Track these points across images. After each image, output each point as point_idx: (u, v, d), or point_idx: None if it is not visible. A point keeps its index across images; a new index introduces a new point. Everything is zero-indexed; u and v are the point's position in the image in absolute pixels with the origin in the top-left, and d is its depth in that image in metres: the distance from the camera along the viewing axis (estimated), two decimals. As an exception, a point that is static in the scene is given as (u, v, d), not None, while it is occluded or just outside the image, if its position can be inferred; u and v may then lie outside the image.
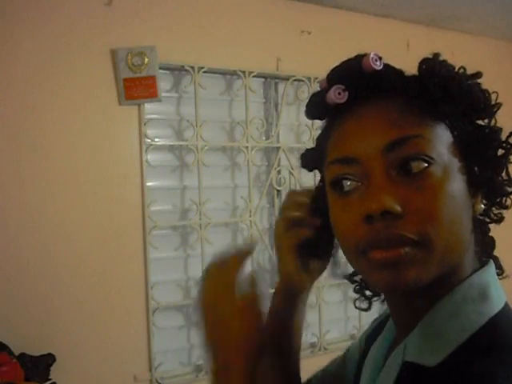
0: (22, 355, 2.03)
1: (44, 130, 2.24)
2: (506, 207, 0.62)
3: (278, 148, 2.82)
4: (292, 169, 2.83)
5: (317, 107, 0.63)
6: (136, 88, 2.39)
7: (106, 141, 2.36)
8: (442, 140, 0.56)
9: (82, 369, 2.23)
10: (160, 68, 2.46)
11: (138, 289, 2.40)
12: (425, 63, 0.59)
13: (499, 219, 0.63)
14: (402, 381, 0.57)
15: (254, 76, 2.73)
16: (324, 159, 0.62)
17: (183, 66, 2.55)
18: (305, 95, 2.89)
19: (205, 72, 2.60)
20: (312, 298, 2.89)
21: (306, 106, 0.65)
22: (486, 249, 0.64)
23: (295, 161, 2.89)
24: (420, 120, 0.56)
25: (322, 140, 0.64)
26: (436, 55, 0.60)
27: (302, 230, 0.69)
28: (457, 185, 0.55)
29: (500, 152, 0.59)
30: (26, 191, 2.20)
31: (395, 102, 0.57)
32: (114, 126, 2.39)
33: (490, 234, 0.65)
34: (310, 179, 2.93)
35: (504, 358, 0.50)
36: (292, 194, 0.74)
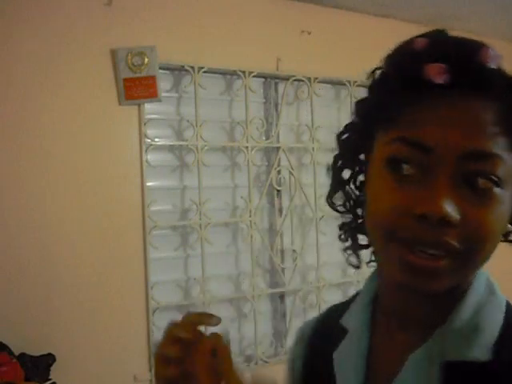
0: (22, 355, 2.03)
1: (44, 130, 2.24)
2: None
3: (278, 148, 2.82)
4: (292, 169, 2.83)
5: (407, 71, 0.54)
6: (136, 88, 2.39)
7: (106, 141, 2.36)
8: (509, 163, 0.53)
9: (82, 369, 2.23)
10: (160, 68, 2.46)
11: (138, 289, 2.40)
12: None
13: None
14: (452, 382, 0.55)
15: (254, 76, 2.73)
16: (387, 125, 0.55)
17: (183, 66, 2.55)
18: (305, 95, 2.89)
19: (205, 72, 2.60)
20: (312, 298, 2.89)
21: (392, 56, 0.57)
22: None
23: (295, 161, 2.89)
24: (505, 138, 0.52)
25: (394, 103, 0.55)
26: None
27: (168, 368, 0.62)
28: (507, 210, 0.55)
29: None
30: (26, 191, 2.20)
31: (492, 109, 0.53)
32: (114, 126, 2.39)
33: None
34: (310, 179, 2.95)
35: None
36: (171, 327, 0.64)
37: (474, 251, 0.52)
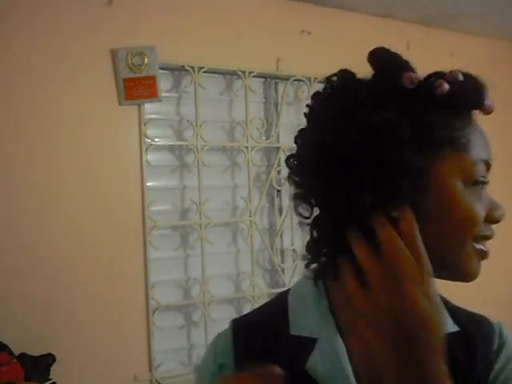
0: (22, 355, 2.03)
1: (44, 130, 2.24)
2: None
3: (278, 148, 2.82)
4: (292, 169, 2.82)
5: (472, 99, 0.64)
6: (136, 88, 2.39)
7: (106, 141, 2.36)
8: None
9: (82, 369, 2.23)
10: (160, 68, 2.46)
11: (137, 289, 2.40)
12: None
13: None
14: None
15: (254, 76, 2.73)
16: (456, 149, 0.62)
17: (183, 66, 2.55)
18: (305, 95, 2.89)
19: (205, 72, 2.60)
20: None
21: (457, 81, 0.62)
22: None
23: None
24: None
25: (458, 126, 0.63)
26: None
27: None
28: None
29: None
30: (26, 191, 2.19)
31: None
32: (114, 126, 2.39)
33: None
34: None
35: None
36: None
37: None
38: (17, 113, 2.19)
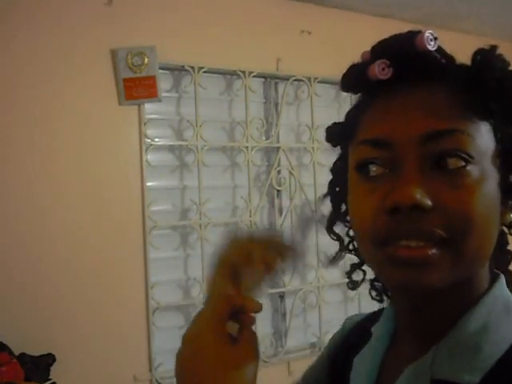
0: (22, 355, 2.03)
1: (44, 130, 2.24)
2: None
3: (278, 148, 2.82)
4: (292, 169, 2.83)
5: (355, 80, 0.58)
6: (136, 88, 2.39)
7: (106, 141, 2.36)
8: (484, 140, 0.52)
9: (82, 369, 2.23)
10: (160, 68, 2.46)
11: (137, 289, 2.40)
12: (480, 54, 0.54)
13: None
14: None
15: (254, 76, 2.73)
16: (352, 137, 0.57)
17: (183, 66, 2.55)
18: (305, 95, 2.89)
19: (205, 72, 2.60)
20: (312, 298, 2.89)
21: (343, 77, 0.59)
22: (501, 261, 0.61)
23: (295, 161, 2.89)
24: (465, 114, 0.51)
25: (352, 116, 0.58)
26: (493, 47, 0.55)
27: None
28: (491, 189, 0.52)
29: None
30: (26, 191, 2.19)
31: (442, 89, 0.52)
32: (114, 126, 2.39)
33: (509, 248, 0.61)
34: (310, 179, 2.95)
35: None
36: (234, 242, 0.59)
37: (462, 237, 0.49)
38: (17, 113, 2.19)
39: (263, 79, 2.86)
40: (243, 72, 2.69)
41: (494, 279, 0.57)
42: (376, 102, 0.55)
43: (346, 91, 0.60)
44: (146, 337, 2.41)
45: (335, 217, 0.65)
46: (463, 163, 0.50)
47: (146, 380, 2.40)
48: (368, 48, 0.58)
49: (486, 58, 0.54)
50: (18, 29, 2.19)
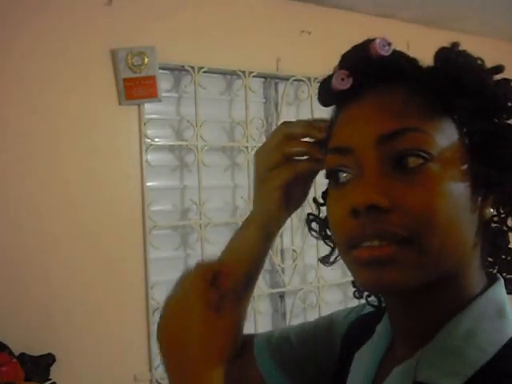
0: (22, 355, 2.03)
1: (44, 130, 2.24)
2: None
3: (278, 148, 2.81)
4: (292, 169, 2.82)
5: (324, 93, 0.60)
6: (136, 88, 2.39)
7: (106, 141, 2.36)
8: (445, 135, 0.52)
9: (82, 369, 2.23)
10: (160, 68, 2.46)
11: (138, 289, 2.40)
12: (441, 52, 0.56)
13: None
14: None
15: (254, 76, 2.73)
16: (326, 148, 0.59)
17: (183, 66, 2.55)
18: (305, 95, 2.89)
19: (205, 72, 2.60)
20: (312, 297, 2.89)
21: (317, 92, 0.63)
22: (503, 264, 0.58)
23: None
24: (422, 112, 0.52)
25: (327, 128, 0.61)
26: (454, 44, 0.57)
27: (300, 164, 0.68)
28: (458, 184, 0.51)
29: None
30: (26, 191, 2.19)
31: (400, 90, 0.53)
32: (114, 126, 2.39)
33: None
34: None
35: None
36: (285, 125, 0.70)
37: (424, 235, 0.49)
38: (17, 112, 2.19)
39: (263, 79, 2.86)
40: (243, 72, 2.69)
41: (491, 283, 0.56)
42: (341, 111, 0.57)
43: (323, 105, 0.62)
44: (146, 337, 2.41)
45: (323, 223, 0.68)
46: (422, 161, 0.50)
47: (146, 380, 2.40)
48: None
49: (446, 55, 0.56)
50: (17, 29, 2.19)
